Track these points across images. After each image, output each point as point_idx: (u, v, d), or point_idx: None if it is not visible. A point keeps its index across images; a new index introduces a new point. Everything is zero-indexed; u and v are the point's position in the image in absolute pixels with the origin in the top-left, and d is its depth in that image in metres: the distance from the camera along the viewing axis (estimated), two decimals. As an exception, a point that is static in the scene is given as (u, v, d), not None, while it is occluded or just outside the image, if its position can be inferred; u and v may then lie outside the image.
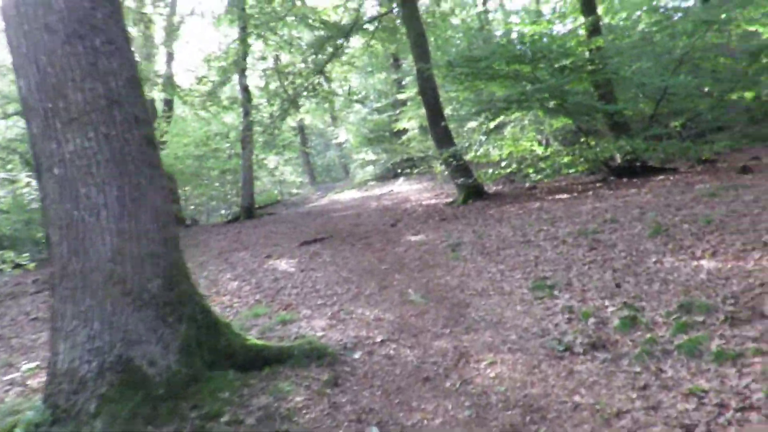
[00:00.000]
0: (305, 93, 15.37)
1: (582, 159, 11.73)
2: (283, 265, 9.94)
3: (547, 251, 6.88)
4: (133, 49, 4.38)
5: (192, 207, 25.38)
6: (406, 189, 20.45)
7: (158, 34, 19.76)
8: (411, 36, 13.62)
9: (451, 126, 14.62)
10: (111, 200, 3.92)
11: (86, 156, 3.88)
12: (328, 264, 9.24)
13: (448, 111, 16.22)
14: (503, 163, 12.66)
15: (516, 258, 6.96)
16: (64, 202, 3.88)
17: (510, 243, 7.77)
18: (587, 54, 12.06)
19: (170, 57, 20.89)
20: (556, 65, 11.37)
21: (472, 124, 18.87)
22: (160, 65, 20.45)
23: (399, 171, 22.69)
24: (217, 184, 23.13)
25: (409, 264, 8.09)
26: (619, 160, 12.08)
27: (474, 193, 12.99)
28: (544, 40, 11.41)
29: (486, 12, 24.88)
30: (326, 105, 21.99)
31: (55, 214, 3.90)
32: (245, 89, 18.50)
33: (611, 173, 12.21)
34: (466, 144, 12.35)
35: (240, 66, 17.75)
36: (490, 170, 12.78)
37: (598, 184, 11.83)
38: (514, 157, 13.88)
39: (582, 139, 12.34)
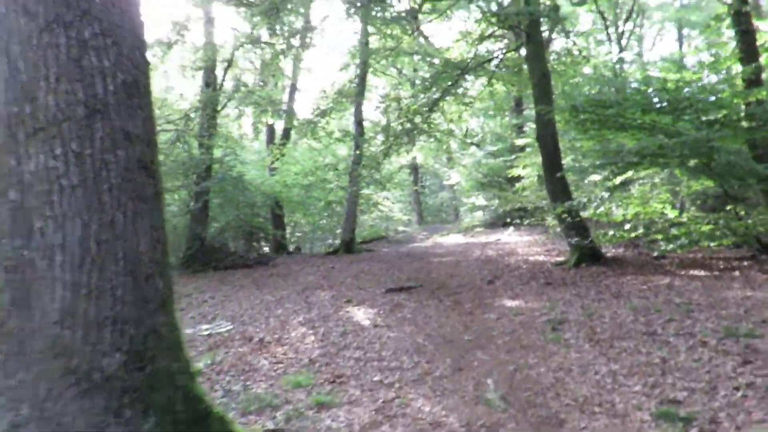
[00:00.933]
0: (416, 129, 14.28)
1: (727, 230, 9.58)
2: (360, 314, 8.68)
3: (680, 354, 5.07)
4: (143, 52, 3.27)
5: (299, 234, 25.03)
6: (514, 240, 18.67)
7: (286, 64, 19.73)
8: (534, 76, 12.14)
9: (571, 178, 12.85)
10: (71, 241, 2.81)
11: (48, 179, 2.81)
12: (407, 322, 7.86)
13: (567, 161, 14.45)
14: (627, 226, 10.74)
15: (635, 356, 5.21)
16: (14, 236, 2.82)
17: (628, 331, 5.98)
18: (743, 108, 9.98)
19: (293, 87, 20.79)
20: (704, 118, 9.43)
21: (594, 177, 16.92)
22: (284, 94, 20.44)
23: (509, 220, 20.93)
24: (326, 213, 22.55)
25: (497, 338, 6.52)
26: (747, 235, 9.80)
27: (589, 255, 11.12)
28: (687, 90, 9.53)
29: (622, 61, 22.78)
30: (439, 144, 20.81)
31: (2, 251, 2.85)
32: (359, 123, 17.77)
33: (763, 250, 9.92)
34: (585, 199, 10.57)
35: (356, 99, 17.06)
36: (611, 232, 10.87)
37: (745, 263, 9.60)
38: (640, 220, 11.86)
39: (728, 207, 10.16)
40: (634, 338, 5.73)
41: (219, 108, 16.42)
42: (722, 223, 9.38)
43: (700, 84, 9.57)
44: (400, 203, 32.97)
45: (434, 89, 13.23)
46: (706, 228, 10.27)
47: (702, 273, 9.05)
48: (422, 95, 13.42)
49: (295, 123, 17.70)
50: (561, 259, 12.58)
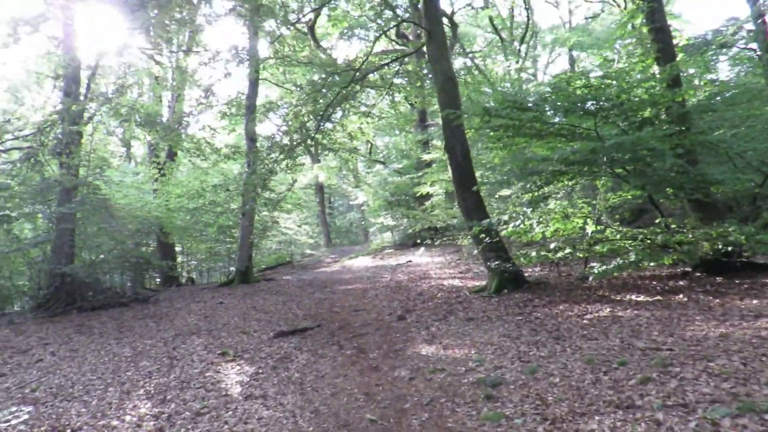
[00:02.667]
0: (308, 142, 12.19)
1: (667, 246, 8.11)
2: (232, 376, 6.41)
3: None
4: None
5: (195, 263, 22.12)
6: (425, 261, 16.89)
7: (168, 78, 17.07)
8: (438, 80, 10.40)
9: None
10: None
11: None
12: (292, 388, 5.68)
13: (477, 175, 12.87)
14: (552, 245, 9.12)
15: (619, 452, 3.35)
16: None
17: (593, 402, 4.10)
18: (663, 114, 8.67)
19: (175, 99, 18.07)
20: (633, 118, 7.99)
21: (505, 192, 15.49)
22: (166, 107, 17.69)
23: (419, 240, 19.17)
24: (223, 239, 19.76)
25: (412, 416, 4.48)
26: (707, 252, 8.46)
27: (510, 280, 9.42)
28: (615, 85, 8.07)
29: (520, 75, 21.88)
30: (342, 162, 18.80)
31: None
32: (251, 139, 15.42)
33: (697, 268, 8.59)
34: (505, 216, 8.86)
35: (247, 111, 14.71)
36: (533, 253, 9.20)
37: (681, 283, 8.18)
38: (559, 237, 10.35)
39: (658, 220, 8.76)
40: (604, 413, 3.86)
41: (83, 122, 13.59)
42: (659, 238, 7.92)
43: (623, 81, 8.09)
44: (306, 225, 30.64)
45: (327, 94, 11.20)
46: (632, 244, 8.82)
47: (641, 298, 7.49)
48: (313, 102, 11.36)
49: (183, 140, 15.10)
50: (479, 284, 10.84)
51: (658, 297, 7.37)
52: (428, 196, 18.44)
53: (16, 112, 13.52)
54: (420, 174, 19.12)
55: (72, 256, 13.68)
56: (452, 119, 9.54)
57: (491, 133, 9.32)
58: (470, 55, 23.19)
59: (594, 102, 7.71)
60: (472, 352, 6.00)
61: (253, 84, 15.63)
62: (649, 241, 8.50)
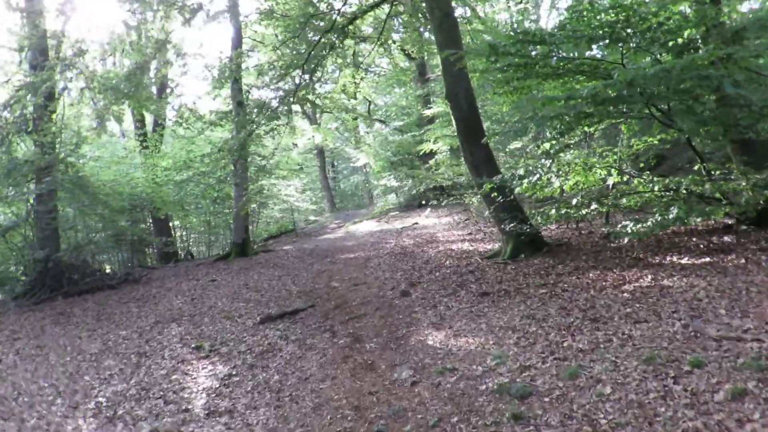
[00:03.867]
0: (290, 99, 10.73)
1: (718, 197, 6.71)
2: (201, 379, 5.20)
3: None
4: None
5: (195, 236, 20.94)
6: (432, 223, 15.58)
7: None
8: (434, 18, 8.85)
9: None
10: None
11: None
12: (267, 396, 4.46)
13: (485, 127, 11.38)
14: (574, 201, 7.75)
15: None
16: None
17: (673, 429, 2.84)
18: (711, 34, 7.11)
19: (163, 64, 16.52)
20: (673, 42, 6.48)
21: (515, 144, 14.00)
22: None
23: (425, 201, 17.77)
24: (221, 211, 18.41)
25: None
26: (757, 201, 7.07)
27: (528, 244, 8.10)
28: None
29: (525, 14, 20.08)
30: (341, 124, 17.31)
31: None
32: (239, 103, 13.92)
33: (742, 221, 7.19)
34: (520, 171, 7.44)
35: (233, 73, 13.18)
36: (552, 210, 7.82)
37: (726, 239, 6.82)
38: (581, 192, 8.99)
39: (697, 166, 7.34)
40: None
41: (57, 96, 12.19)
42: (707, 188, 6.53)
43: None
44: (309, 191, 29.27)
45: (311, 40, 9.65)
46: (667, 196, 7.42)
47: (686, 260, 6.14)
48: (292, 55, 9.83)
49: (171, 111, 13.70)
50: (491, 247, 9.53)
51: (707, 258, 6.02)
52: (432, 153, 16.96)
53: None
54: (422, 131, 17.59)
55: (57, 239, 12.51)
56: (453, 62, 8.04)
57: (499, 75, 7.84)
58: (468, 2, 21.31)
59: (625, 25, 6.20)
60: (490, 341, 4.71)
61: (236, 43, 14.08)
62: (689, 192, 7.10)
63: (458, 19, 13.35)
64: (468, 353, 4.56)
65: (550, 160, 7.47)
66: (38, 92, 11.31)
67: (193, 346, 6.32)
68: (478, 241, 10.63)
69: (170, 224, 17.28)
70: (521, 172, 7.09)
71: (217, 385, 4.95)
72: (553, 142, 7.85)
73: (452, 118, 8.93)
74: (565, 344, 4.24)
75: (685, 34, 6.49)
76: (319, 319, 6.81)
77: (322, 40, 9.42)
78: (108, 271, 13.53)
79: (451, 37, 8.66)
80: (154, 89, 15.00)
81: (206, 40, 33.12)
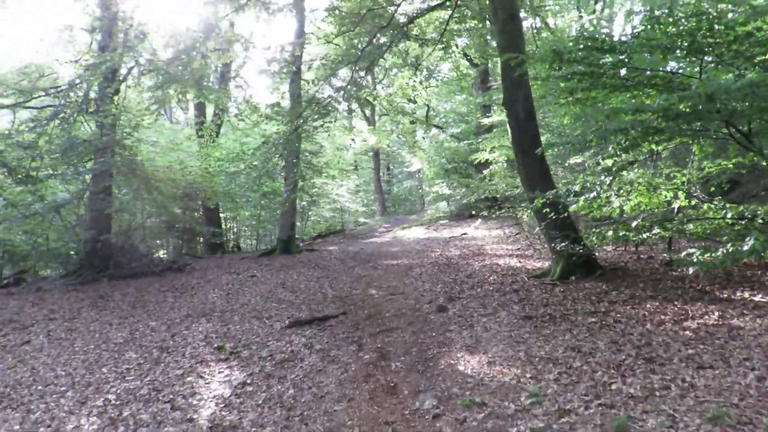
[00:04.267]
0: (342, 96, 10.43)
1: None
2: (215, 384, 4.91)
3: None
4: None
5: (245, 229, 21.06)
6: (482, 235, 15.00)
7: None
8: (497, 19, 8.34)
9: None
10: None
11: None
12: (277, 413, 4.11)
13: (542, 140, 10.74)
14: (634, 223, 7.08)
15: None
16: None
17: None
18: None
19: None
20: (759, 58, 5.78)
21: (575, 159, 13.23)
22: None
23: (475, 212, 17.16)
24: (271, 205, 18.35)
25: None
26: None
27: (580, 265, 7.48)
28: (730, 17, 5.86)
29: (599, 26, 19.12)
30: (397, 126, 16.93)
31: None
32: (297, 96, 13.76)
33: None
34: (576, 186, 6.82)
35: (293, 64, 12.99)
36: (609, 231, 7.17)
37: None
38: (642, 214, 8.29)
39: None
40: None
41: (119, 78, 12.38)
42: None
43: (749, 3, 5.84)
44: (362, 192, 29.05)
45: (369, 43, 9.32)
46: (740, 224, 6.65)
47: (760, 297, 5.42)
48: (346, 52, 9.52)
49: (222, 97, 13.69)
50: (540, 266, 8.93)
51: (788, 298, 5.29)
52: (487, 163, 16.36)
53: (49, 68, 12.43)
54: (479, 140, 17.01)
55: (109, 221, 12.69)
56: (513, 67, 7.52)
57: (562, 84, 7.27)
58: (538, 11, 20.54)
59: (707, 35, 5.55)
60: (527, 374, 4.20)
61: (299, 37, 13.96)
62: (766, 222, 6.33)
63: (528, 30, 12.80)
64: (501, 386, 4.06)
65: (611, 178, 6.83)
66: (102, 74, 11.50)
67: (215, 346, 6.06)
68: (527, 258, 10.03)
69: (220, 215, 17.37)
70: (578, 187, 6.49)
71: (229, 394, 4.63)
72: (616, 158, 7.21)
73: (508, 126, 8.39)
74: (613, 387, 3.69)
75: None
76: (348, 329, 6.44)
77: (378, 36, 9.05)
78: (159, 256, 13.56)
79: (514, 41, 8.14)
80: (212, 78, 15.05)
81: (272, 35, 33.52)
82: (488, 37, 13.73)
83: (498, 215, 13.02)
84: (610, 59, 6.54)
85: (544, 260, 9.29)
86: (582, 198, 6.46)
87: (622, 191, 7.52)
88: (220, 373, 5.21)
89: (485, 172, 16.25)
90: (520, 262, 9.78)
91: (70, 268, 12.72)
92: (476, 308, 6.59)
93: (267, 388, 4.68)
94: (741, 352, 3.97)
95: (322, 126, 10.96)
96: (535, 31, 14.79)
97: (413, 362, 4.94)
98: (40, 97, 12.23)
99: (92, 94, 12.11)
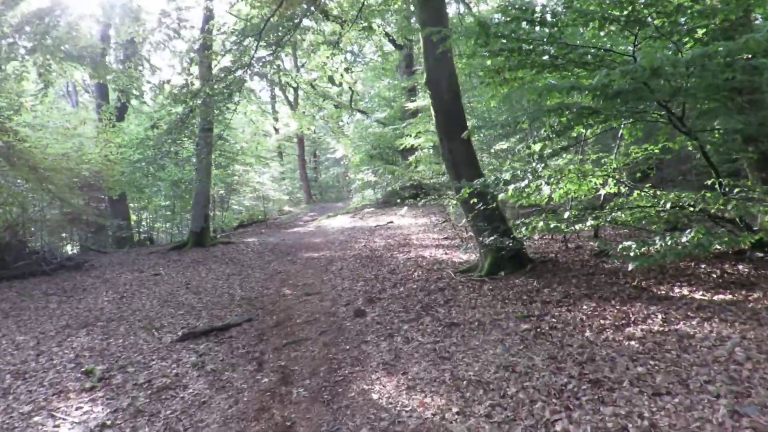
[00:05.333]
0: (249, 76, 9.28)
1: (722, 221, 5.48)
2: (68, 425, 3.80)
3: None
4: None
5: (158, 222, 19.32)
6: (408, 223, 14.25)
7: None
8: (419, -10, 7.47)
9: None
10: None
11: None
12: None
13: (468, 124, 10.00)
14: (566, 213, 6.45)
15: None
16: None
17: None
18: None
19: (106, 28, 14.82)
20: (702, 31, 5.19)
21: (501, 145, 12.65)
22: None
23: (400, 200, 16.41)
24: (183, 195, 16.74)
25: None
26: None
27: (510, 260, 6.79)
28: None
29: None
30: (314, 110, 15.82)
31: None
32: (205, 80, 12.37)
33: (755, 247, 5.95)
34: (506, 175, 6.06)
35: (204, 41, 11.61)
36: (539, 222, 6.50)
37: (740, 267, 5.60)
38: (571, 202, 7.76)
39: (711, 181, 6.07)
40: None
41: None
42: (729, 209, 5.27)
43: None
44: (288, 180, 27.67)
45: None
46: (673, 213, 6.16)
47: (700, 295, 4.87)
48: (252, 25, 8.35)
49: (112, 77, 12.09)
50: (467, 258, 8.22)
51: (726, 294, 4.76)
52: (413, 149, 15.61)
53: None
54: (404, 124, 16.21)
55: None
56: (436, 42, 6.67)
57: (488, 62, 6.51)
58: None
59: (646, 4, 4.90)
60: (453, 406, 3.35)
61: (207, 15, 12.58)
62: (700, 212, 5.83)
63: (453, 17, 12.00)
64: (422, 423, 3.21)
65: (542, 164, 6.13)
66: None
67: (83, 369, 4.89)
68: (454, 249, 9.32)
69: (128, 206, 15.70)
70: (507, 176, 5.74)
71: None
72: (547, 142, 6.54)
73: (432, 108, 7.55)
74: (558, 428, 2.91)
75: (717, 19, 5.17)
76: (250, 340, 5.42)
77: (282, 10, 7.94)
78: (53, 253, 11.87)
79: (437, 15, 7.28)
80: (111, 58, 13.38)
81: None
82: (412, 20, 12.88)
83: (424, 203, 12.27)
84: (540, 34, 5.83)
85: (472, 252, 8.60)
86: (512, 187, 5.70)
87: (551, 179, 6.86)
88: (78, 409, 4.08)
89: (410, 158, 15.50)
90: (446, 253, 9.06)
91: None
92: (398, 312, 5.74)
93: (132, 429, 3.62)
94: (699, 371, 3.31)
95: (226, 107, 9.71)
96: (459, 15, 14.07)
97: (319, 388, 4.02)
98: None
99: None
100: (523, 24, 5.77)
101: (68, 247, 15.51)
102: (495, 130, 8.46)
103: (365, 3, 9.56)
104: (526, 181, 5.45)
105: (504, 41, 5.90)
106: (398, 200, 15.83)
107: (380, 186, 18.91)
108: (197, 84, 11.50)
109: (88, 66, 10.97)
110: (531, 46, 5.94)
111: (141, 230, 16.88)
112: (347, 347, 4.87)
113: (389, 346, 4.72)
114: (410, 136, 14.61)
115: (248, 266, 10.16)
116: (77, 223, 14.45)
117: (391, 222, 14.97)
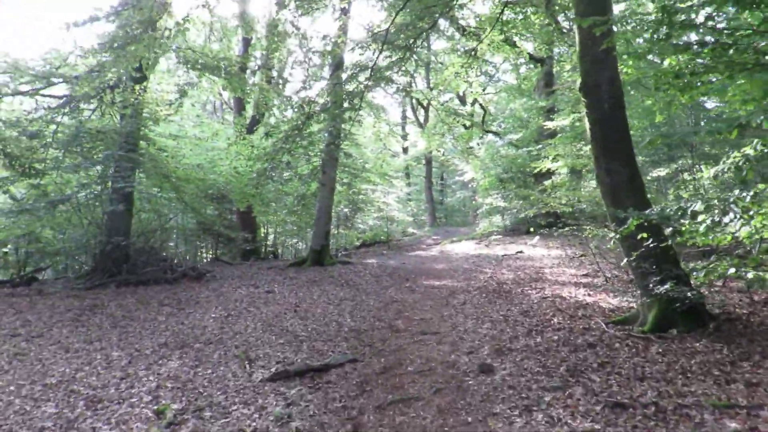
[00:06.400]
0: (378, 79, 8.43)
1: None
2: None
3: None
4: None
5: (285, 236, 19.31)
6: (540, 254, 12.63)
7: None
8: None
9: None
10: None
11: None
12: None
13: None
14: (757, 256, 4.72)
15: None
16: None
17: None
18: None
19: (246, 42, 14.93)
20: None
21: (659, 171, 10.67)
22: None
23: (532, 229, 14.76)
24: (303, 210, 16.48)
25: None
26: None
27: (684, 313, 5.13)
28: None
29: None
30: (447, 129, 14.82)
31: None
32: (335, 91, 11.85)
33: None
34: (697, 206, 4.47)
35: (331, 53, 11.14)
36: (731, 267, 4.81)
37: None
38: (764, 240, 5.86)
39: None
40: None
41: (147, 68, 10.84)
42: None
43: None
44: (414, 201, 26.90)
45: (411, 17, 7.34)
46: None
47: None
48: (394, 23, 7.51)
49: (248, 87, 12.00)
50: (618, 304, 6.60)
51: None
52: (549, 173, 13.98)
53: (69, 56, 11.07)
54: (540, 146, 14.62)
55: (129, 220, 11.19)
56: (598, 37, 5.30)
57: (668, 61, 5.03)
58: None
59: None
60: None
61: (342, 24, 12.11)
62: None
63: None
64: None
65: (747, 192, 4.45)
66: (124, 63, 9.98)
67: (157, 407, 4.14)
68: (599, 290, 7.69)
69: (256, 219, 15.71)
70: (699, 206, 4.19)
71: None
72: (747, 165, 4.85)
73: (586, 120, 6.11)
74: None
75: None
76: (350, 390, 4.38)
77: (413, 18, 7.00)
78: (180, 262, 11.94)
79: (601, 3, 5.89)
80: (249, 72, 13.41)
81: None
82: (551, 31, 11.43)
83: (560, 233, 10.57)
84: (751, 19, 4.32)
85: (623, 294, 6.96)
86: (707, 219, 4.14)
87: (751, 212, 5.13)
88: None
89: (546, 183, 13.87)
90: (590, 294, 7.46)
91: (84, 271, 11.30)
92: (535, 373, 4.39)
93: None
94: None
95: (349, 116, 8.98)
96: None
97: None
98: (57, 84, 10.86)
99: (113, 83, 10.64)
100: (729, 6, 4.29)
101: (203, 256, 15.86)
102: (655, 154, 6.78)
103: (504, 10, 8.35)
104: (735, 216, 3.87)
105: (700, 31, 4.46)
106: (530, 228, 14.21)
107: (510, 212, 17.34)
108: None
109: (222, 78, 10.90)
110: (732, 39, 4.43)
111: (267, 244, 16.85)
112: (469, 419, 3.64)
113: (527, 426, 3.42)
114: (548, 158, 13.01)
115: (363, 291, 9.27)
116: (210, 233, 14.68)
117: (521, 252, 13.42)
